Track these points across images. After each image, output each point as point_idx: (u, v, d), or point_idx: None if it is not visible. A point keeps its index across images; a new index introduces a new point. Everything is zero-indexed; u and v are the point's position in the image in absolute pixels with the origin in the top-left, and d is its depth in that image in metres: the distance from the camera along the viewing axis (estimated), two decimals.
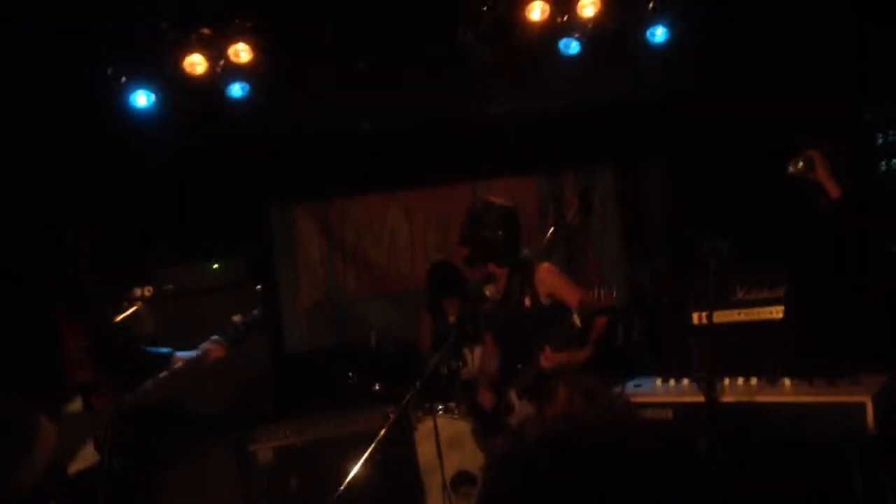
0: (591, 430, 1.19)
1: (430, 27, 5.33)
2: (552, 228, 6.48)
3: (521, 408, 4.09)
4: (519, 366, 4.19)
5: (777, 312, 4.68)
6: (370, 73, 5.60)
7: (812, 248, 4.14)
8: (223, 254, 5.86)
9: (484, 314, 4.57)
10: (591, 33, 5.41)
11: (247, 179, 6.60)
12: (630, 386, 3.96)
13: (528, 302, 4.23)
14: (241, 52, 5.28)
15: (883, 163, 5.35)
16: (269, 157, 6.53)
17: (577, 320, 3.74)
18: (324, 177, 6.87)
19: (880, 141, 5.39)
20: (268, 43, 5.32)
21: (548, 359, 3.86)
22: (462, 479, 4.87)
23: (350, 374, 5.97)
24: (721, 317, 4.70)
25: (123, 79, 5.18)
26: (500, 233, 4.42)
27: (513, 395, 4.20)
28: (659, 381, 3.86)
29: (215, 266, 5.40)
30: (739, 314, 4.76)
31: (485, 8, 5.18)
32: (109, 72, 5.12)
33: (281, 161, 6.60)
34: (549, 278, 4.24)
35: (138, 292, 4.91)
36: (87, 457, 3.26)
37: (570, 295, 4.12)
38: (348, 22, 5.34)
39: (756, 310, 4.76)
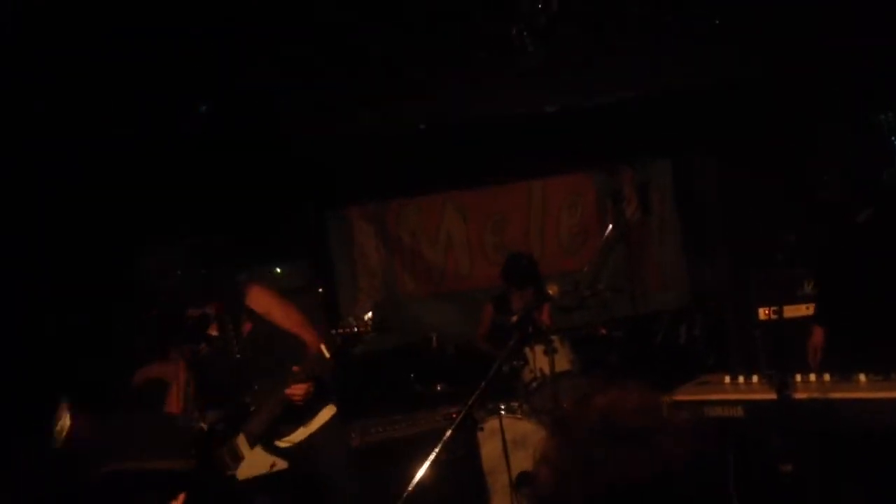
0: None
1: (485, 27, 5.30)
2: (610, 226, 6.43)
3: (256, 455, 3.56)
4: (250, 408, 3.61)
5: None
6: (425, 74, 5.60)
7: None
8: (285, 259, 5.93)
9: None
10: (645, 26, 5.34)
11: (304, 183, 6.66)
12: (696, 384, 3.88)
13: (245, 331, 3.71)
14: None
15: None
16: (326, 160, 6.58)
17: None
18: (379, 178, 6.90)
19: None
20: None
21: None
22: (525, 480, 4.84)
23: (412, 375, 5.99)
24: (789, 311, 4.61)
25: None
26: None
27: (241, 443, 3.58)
28: (727, 378, 3.76)
29: (278, 271, 5.46)
30: (808, 308, 4.64)
31: (539, 6, 5.14)
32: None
33: (337, 164, 6.65)
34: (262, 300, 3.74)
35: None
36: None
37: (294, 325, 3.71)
38: (402, 23, 5.35)
39: None
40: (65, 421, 3.04)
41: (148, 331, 3.90)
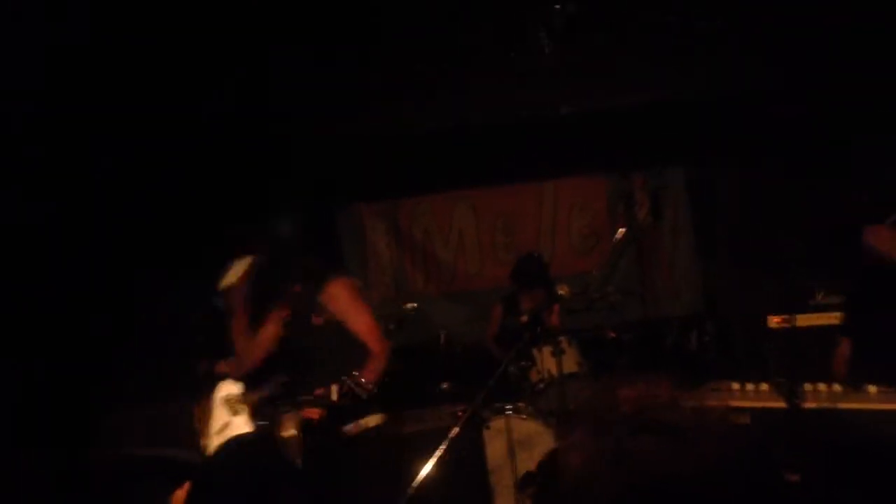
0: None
1: (501, 26, 5.29)
2: (621, 230, 6.41)
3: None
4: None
5: None
6: (439, 73, 5.60)
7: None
8: (295, 253, 5.92)
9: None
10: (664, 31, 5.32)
11: (317, 179, 6.67)
12: (704, 390, 3.86)
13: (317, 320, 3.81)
14: None
15: None
16: (339, 156, 6.59)
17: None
18: (392, 176, 6.91)
19: None
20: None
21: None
22: (530, 480, 4.84)
23: (418, 372, 5.99)
24: (801, 321, 4.59)
25: None
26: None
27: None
28: (736, 385, 3.75)
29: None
30: (819, 318, 4.63)
31: (556, 6, 5.13)
32: None
33: (350, 160, 6.66)
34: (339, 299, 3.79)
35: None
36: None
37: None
38: (416, 21, 5.34)
39: (836, 314, 4.62)
40: None
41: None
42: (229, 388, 3.84)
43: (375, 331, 3.76)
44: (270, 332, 3.85)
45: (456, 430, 3.11)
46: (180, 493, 1.92)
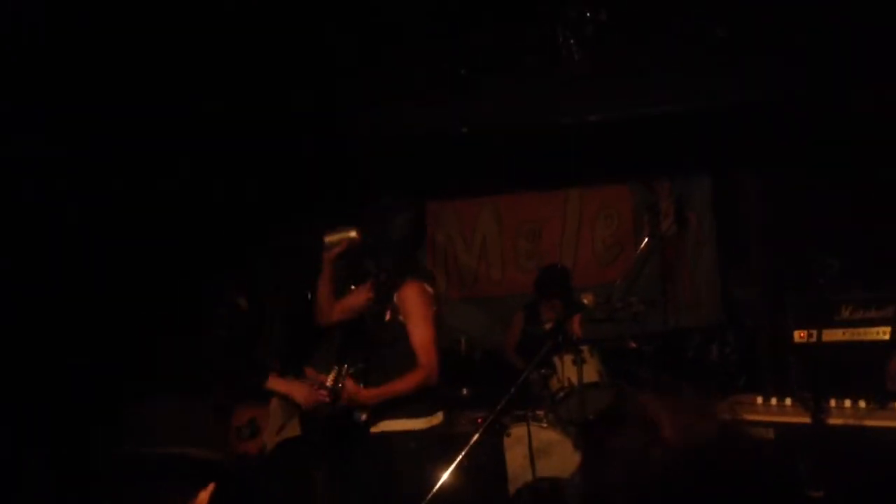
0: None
1: (531, 32, 5.29)
2: (646, 239, 6.38)
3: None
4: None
5: (884, 333, 4.49)
6: (470, 77, 5.60)
7: None
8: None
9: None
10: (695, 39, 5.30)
11: (342, 182, 6.68)
12: (728, 403, 3.84)
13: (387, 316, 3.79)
14: None
15: None
16: (364, 158, 6.60)
17: None
18: (418, 179, 6.91)
19: None
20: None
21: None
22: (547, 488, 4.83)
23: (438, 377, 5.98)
24: (826, 336, 4.54)
25: None
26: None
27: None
28: (760, 399, 3.73)
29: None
30: (844, 334, 4.58)
31: (587, 14, 5.12)
32: None
33: (376, 162, 6.67)
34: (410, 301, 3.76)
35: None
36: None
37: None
38: (448, 25, 5.35)
39: (862, 330, 4.57)
40: None
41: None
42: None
43: (429, 344, 3.70)
44: (353, 301, 3.88)
45: (476, 436, 3.09)
46: (204, 495, 1.91)
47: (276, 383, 3.81)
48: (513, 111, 5.98)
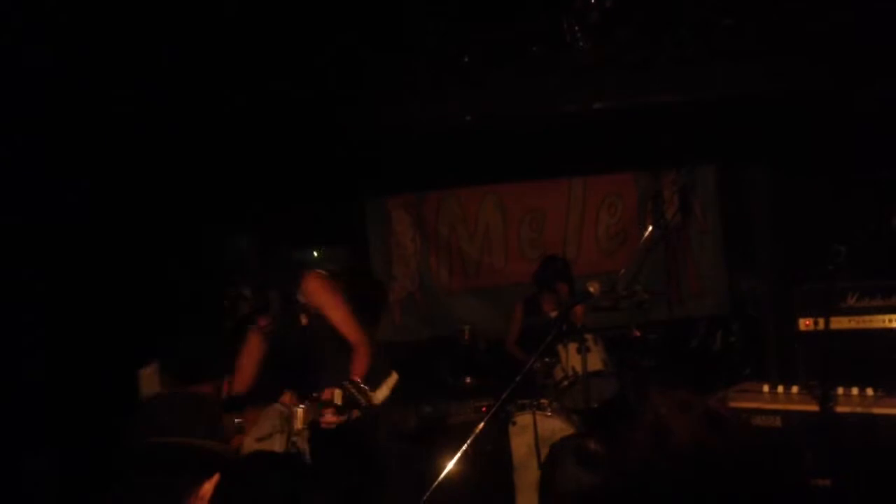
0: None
1: (537, 20, 5.26)
2: (650, 228, 6.36)
3: None
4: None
5: (891, 321, 4.47)
6: (473, 67, 5.57)
7: None
8: (326, 242, 5.95)
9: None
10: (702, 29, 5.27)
11: (346, 171, 6.67)
12: (735, 391, 3.82)
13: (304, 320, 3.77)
14: None
15: None
16: (369, 147, 6.58)
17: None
18: (421, 169, 6.89)
19: None
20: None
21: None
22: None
23: (441, 366, 5.99)
24: (832, 324, 4.52)
25: None
26: None
27: None
28: (766, 387, 3.71)
29: (316, 254, 5.47)
30: (850, 321, 4.56)
31: (592, 1, 5.09)
32: None
33: (380, 152, 6.65)
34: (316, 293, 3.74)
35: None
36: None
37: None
38: (452, 16, 5.32)
39: (869, 318, 4.55)
40: None
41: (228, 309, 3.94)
42: (284, 407, 3.86)
43: (351, 322, 3.72)
44: (250, 348, 3.84)
45: (481, 425, 3.08)
46: (208, 486, 1.91)
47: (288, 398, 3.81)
48: (517, 100, 5.95)
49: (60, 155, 4.27)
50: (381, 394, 3.74)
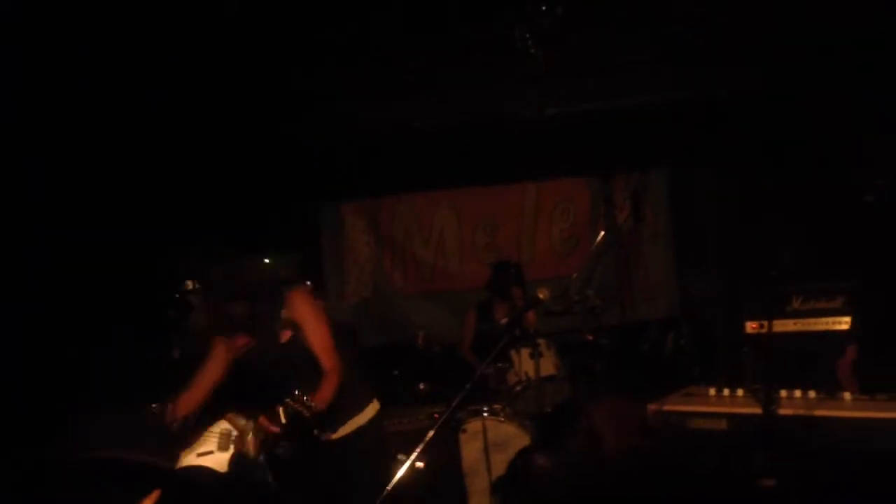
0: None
1: (489, 27, 5.28)
2: (602, 232, 6.42)
3: None
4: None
5: (834, 323, 4.57)
6: (425, 73, 5.58)
7: (879, 260, 4.02)
8: (276, 249, 5.89)
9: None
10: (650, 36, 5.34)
11: (298, 176, 6.63)
12: (681, 395, 3.87)
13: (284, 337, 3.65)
14: None
15: None
16: (321, 154, 6.55)
17: None
18: (375, 174, 6.88)
19: None
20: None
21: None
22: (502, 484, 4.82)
23: (395, 372, 5.96)
24: (777, 326, 4.61)
25: None
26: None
27: None
28: (712, 391, 3.76)
29: (266, 261, 5.42)
30: (795, 324, 4.65)
31: (543, 8, 5.13)
32: None
33: (333, 158, 6.62)
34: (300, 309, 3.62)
35: (189, 285, 4.94)
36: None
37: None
38: (404, 22, 5.32)
39: (812, 320, 4.65)
40: None
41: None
42: (230, 426, 3.78)
43: (329, 347, 3.59)
44: (213, 366, 3.70)
45: (431, 433, 3.07)
46: (147, 502, 1.88)
47: (235, 418, 3.73)
48: (469, 105, 5.98)
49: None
50: (353, 424, 3.70)
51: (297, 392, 3.30)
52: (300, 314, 3.59)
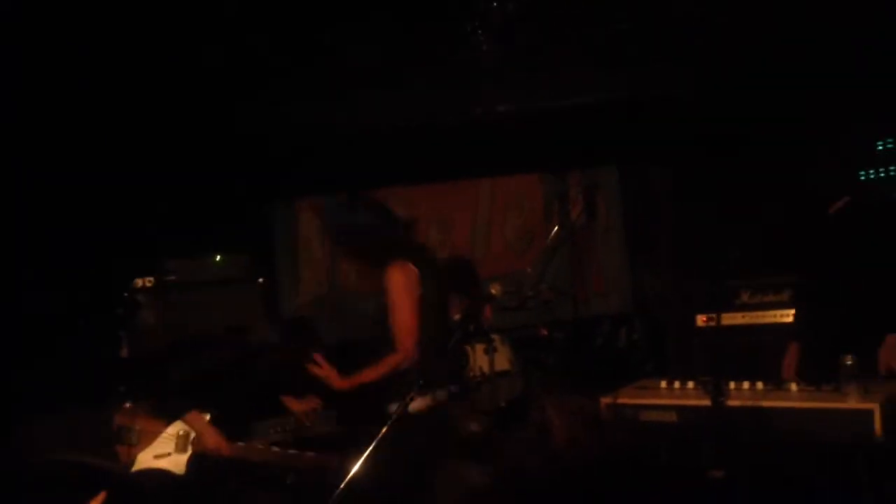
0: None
1: (441, 26, 5.28)
2: (556, 228, 6.46)
3: None
4: None
5: (781, 316, 4.67)
6: (376, 71, 5.56)
7: (823, 255, 4.10)
8: (228, 247, 5.82)
9: None
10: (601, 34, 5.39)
11: (251, 174, 6.56)
12: (633, 388, 3.91)
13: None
14: None
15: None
16: (274, 152, 6.49)
17: None
18: (328, 172, 6.84)
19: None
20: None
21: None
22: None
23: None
24: (726, 319, 4.70)
25: None
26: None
27: None
28: (664, 384, 3.81)
29: (217, 259, 5.35)
30: (744, 317, 4.74)
31: (494, 5, 5.14)
32: None
33: (285, 156, 6.57)
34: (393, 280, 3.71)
35: (139, 283, 4.87)
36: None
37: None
38: (355, 16, 5.30)
39: (761, 313, 4.75)
40: None
41: None
42: (186, 427, 3.75)
43: (408, 329, 3.62)
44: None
45: (385, 429, 3.07)
46: None
47: (194, 419, 3.70)
48: (422, 103, 5.98)
49: None
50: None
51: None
52: (391, 284, 3.65)
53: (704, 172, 6.41)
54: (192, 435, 3.69)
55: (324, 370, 3.63)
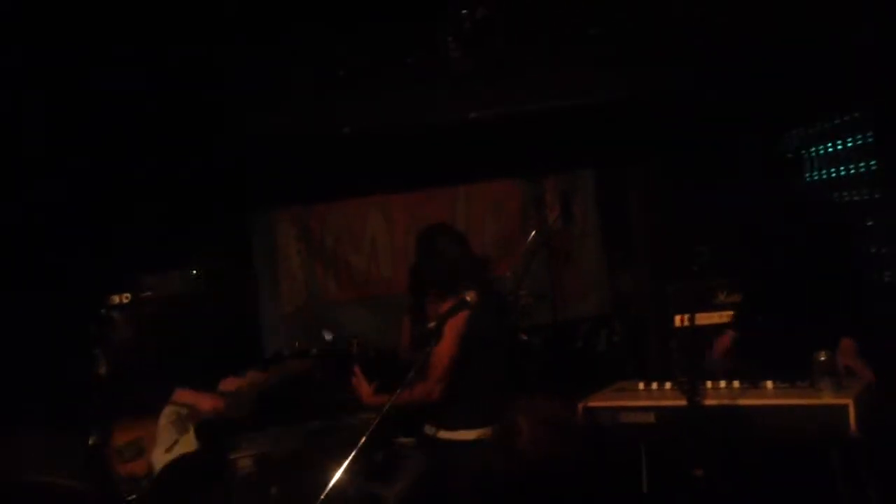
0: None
1: (412, 32, 5.29)
2: (533, 233, 6.48)
3: None
4: None
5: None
6: (351, 78, 5.56)
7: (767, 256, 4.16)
8: (205, 261, 5.81)
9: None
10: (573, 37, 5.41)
11: (227, 185, 6.54)
12: (613, 390, 3.93)
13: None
14: None
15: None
16: (249, 161, 6.47)
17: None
18: (304, 182, 6.83)
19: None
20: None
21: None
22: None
23: (331, 380, 5.92)
24: (702, 320, 4.72)
25: None
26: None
27: None
28: (641, 385, 3.83)
29: (194, 272, 5.33)
30: (721, 317, 4.78)
31: (464, 11, 5.16)
32: None
33: (260, 166, 6.55)
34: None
35: (116, 299, 4.84)
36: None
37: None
38: (330, 25, 5.30)
39: (729, 312, 4.79)
40: None
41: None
42: (176, 409, 3.76)
43: (442, 366, 3.76)
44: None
45: (363, 439, 3.07)
46: None
47: (179, 396, 3.73)
48: (395, 110, 5.98)
49: None
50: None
51: None
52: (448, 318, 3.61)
53: (677, 174, 6.46)
54: (185, 412, 3.71)
55: (360, 384, 3.87)
